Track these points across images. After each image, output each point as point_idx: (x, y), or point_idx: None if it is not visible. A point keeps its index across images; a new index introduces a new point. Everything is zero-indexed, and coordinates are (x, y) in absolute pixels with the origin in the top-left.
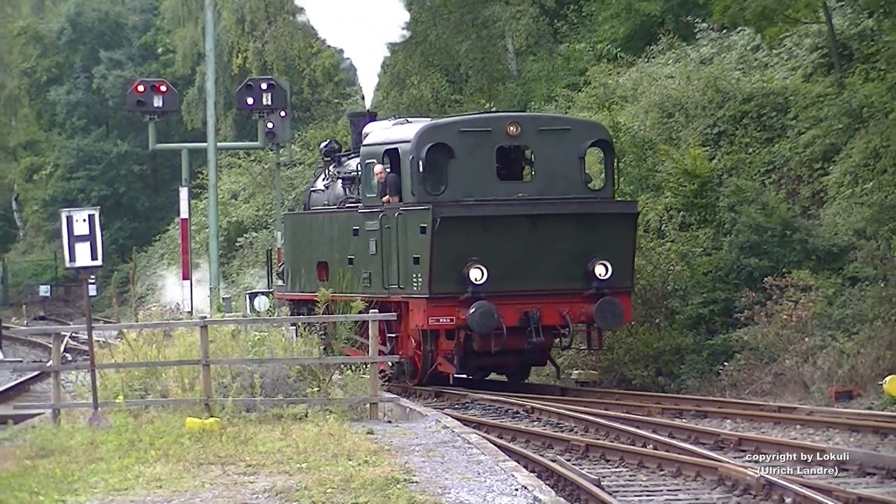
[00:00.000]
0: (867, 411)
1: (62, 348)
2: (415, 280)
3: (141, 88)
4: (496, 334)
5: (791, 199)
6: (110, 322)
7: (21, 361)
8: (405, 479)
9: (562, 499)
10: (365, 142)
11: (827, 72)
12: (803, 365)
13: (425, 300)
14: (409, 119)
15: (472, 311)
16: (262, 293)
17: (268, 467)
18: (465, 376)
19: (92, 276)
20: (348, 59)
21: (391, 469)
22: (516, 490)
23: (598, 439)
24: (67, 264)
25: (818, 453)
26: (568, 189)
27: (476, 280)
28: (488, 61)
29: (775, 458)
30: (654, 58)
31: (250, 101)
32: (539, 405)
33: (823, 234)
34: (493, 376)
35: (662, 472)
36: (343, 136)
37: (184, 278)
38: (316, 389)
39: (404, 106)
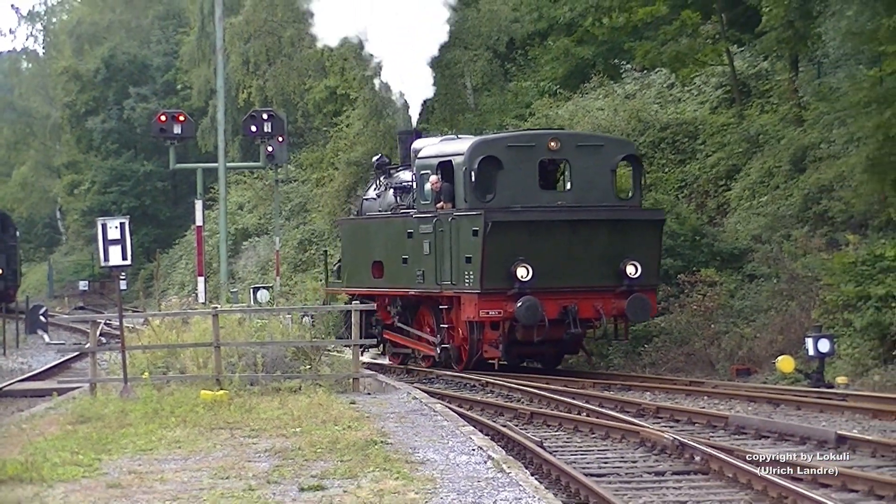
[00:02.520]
0: (762, 385)
1: (98, 333)
2: (466, 277)
3: (163, 118)
4: (539, 326)
5: (700, 210)
6: (138, 311)
7: (63, 344)
8: (381, 441)
9: (510, 457)
10: (419, 155)
11: (729, 105)
12: (710, 347)
13: (476, 295)
14: (458, 136)
15: (519, 304)
16: (264, 287)
17: (268, 431)
18: (504, 363)
19: (122, 274)
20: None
21: (370, 433)
22: (473, 450)
23: (541, 408)
24: (102, 263)
25: (722, 420)
26: (601, 198)
27: (522, 277)
28: (451, 96)
29: (687, 423)
30: (587, 93)
31: (254, 128)
32: (492, 380)
33: (727, 238)
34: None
35: (594, 435)
36: (330, 157)
37: (199, 275)
38: (308, 367)
39: (382, 133)
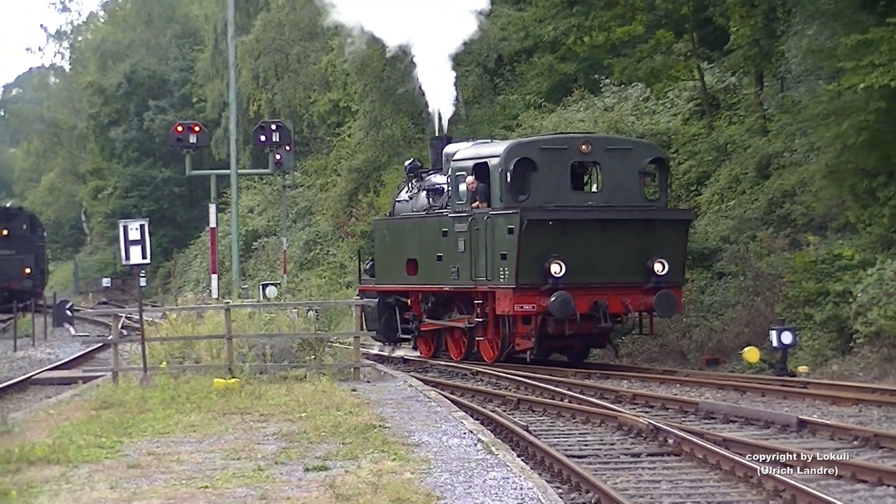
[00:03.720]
0: (730, 374)
1: (120, 326)
2: (501, 273)
3: (180, 129)
4: (571, 320)
5: None
6: (157, 306)
7: (88, 336)
8: (380, 425)
9: (499, 440)
10: (455, 158)
11: (700, 117)
12: (682, 339)
13: (511, 290)
14: (491, 139)
15: (553, 299)
16: (272, 284)
17: (276, 416)
18: (535, 356)
19: (142, 272)
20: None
21: (370, 417)
22: (464, 433)
23: (527, 395)
24: (123, 262)
25: (693, 406)
26: (630, 199)
27: (556, 273)
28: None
29: (660, 409)
30: (569, 106)
31: (263, 138)
32: (482, 369)
33: (698, 239)
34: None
35: (575, 420)
36: (333, 164)
37: (212, 272)
38: (312, 357)
39: (380, 142)
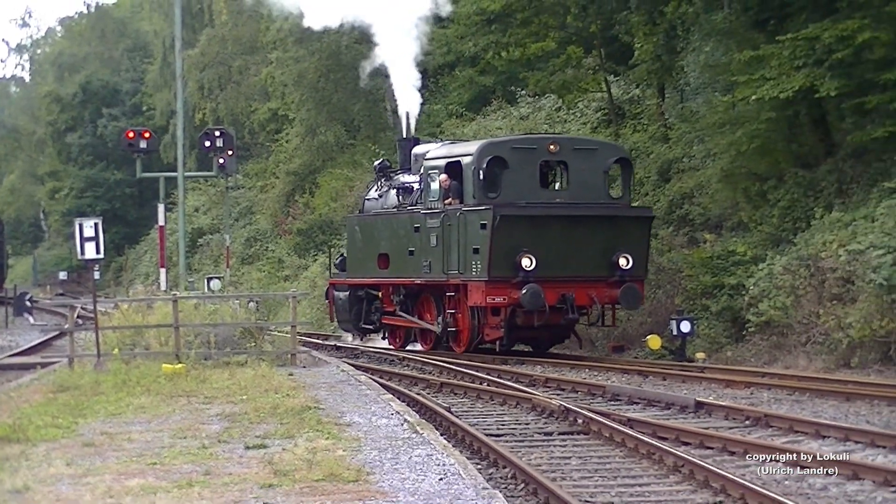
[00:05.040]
0: (634, 359)
1: (75, 316)
2: (474, 266)
3: (131, 135)
4: (540, 311)
5: None
6: (110, 298)
7: (46, 325)
8: (315, 407)
9: (424, 420)
10: (427, 157)
11: (607, 125)
12: (590, 328)
13: (484, 283)
14: (455, 141)
15: (524, 291)
16: (216, 277)
17: (219, 398)
18: (493, 347)
19: (96, 266)
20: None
21: (305, 400)
22: (392, 414)
23: (450, 379)
24: (79, 257)
25: (600, 388)
26: (596, 196)
27: (526, 267)
28: (374, 117)
29: (571, 391)
30: (488, 115)
31: (208, 143)
32: (407, 355)
33: None
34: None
35: (493, 402)
36: (272, 168)
37: (161, 267)
38: (253, 344)
39: (315, 148)
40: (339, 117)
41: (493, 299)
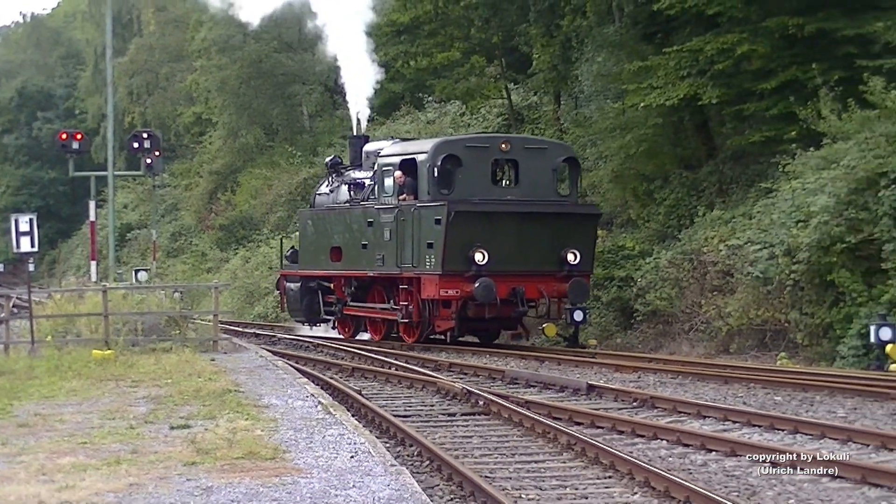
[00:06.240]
0: (532, 346)
1: (11, 305)
2: (428, 260)
3: (64, 136)
4: (492, 304)
5: None
6: (44, 288)
7: None
8: (235, 390)
9: (336, 402)
10: (381, 154)
11: (507, 130)
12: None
13: (438, 276)
14: (406, 139)
15: (477, 285)
16: (144, 269)
17: (146, 382)
18: (443, 337)
19: (31, 259)
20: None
21: (226, 383)
22: (307, 397)
23: (361, 364)
24: (15, 250)
25: (500, 373)
26: (544, 194)
27: (479, 261)
28: (291, 120)
29: (472, 376)
30: (397, 119)
31: (136, 145)
32: (322, 342)
33: None
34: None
35: (401, 385)
36: (196, 168)
37: (92, 259)
38: (177, 332)
39: (236, 149)
40: (258, 121)
41: (447, 292)
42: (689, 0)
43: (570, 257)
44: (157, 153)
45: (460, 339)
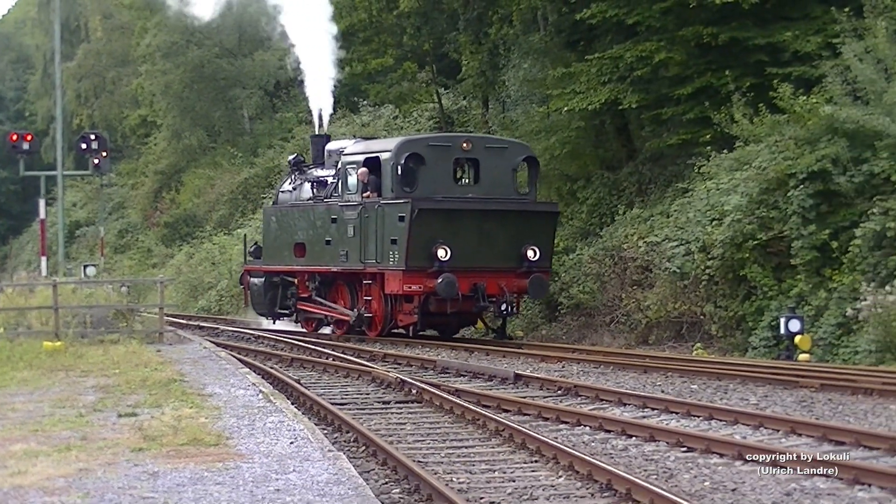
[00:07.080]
0: (463, 338)
1: None
2: (391, 256)
3: (14, 137)
4: (454, 300)
5: None
6: None
7: None
8: (180, 379)
9: (277, 391)
10: (345, 152)
11: (438, 132)
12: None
13: (401, 272)
14: (369, 138)
15: (440, 281)
16: (92, 265)
17: (95, 372)
18: (403, 331)
19: None
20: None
21: (171, 373)
22: (248, 386)
23: (300, 355)
24: None
25: (432, 363)
26: (504, 192)
27: (442, 257)
28: (232, 123)
29: (406, 366)
30: (334, 122)
31: (84, 146)
32: (263, 334)
33: None
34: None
35: (338, 375)
36: (142, 168)
37: (42, 255)
38: (125, 324)
39: (180, 150)
40: (201, 123)
41: (410, 287)
42: (610, 10)
43: (530, 254)
44: (104, 154)
45: (421, 332)
